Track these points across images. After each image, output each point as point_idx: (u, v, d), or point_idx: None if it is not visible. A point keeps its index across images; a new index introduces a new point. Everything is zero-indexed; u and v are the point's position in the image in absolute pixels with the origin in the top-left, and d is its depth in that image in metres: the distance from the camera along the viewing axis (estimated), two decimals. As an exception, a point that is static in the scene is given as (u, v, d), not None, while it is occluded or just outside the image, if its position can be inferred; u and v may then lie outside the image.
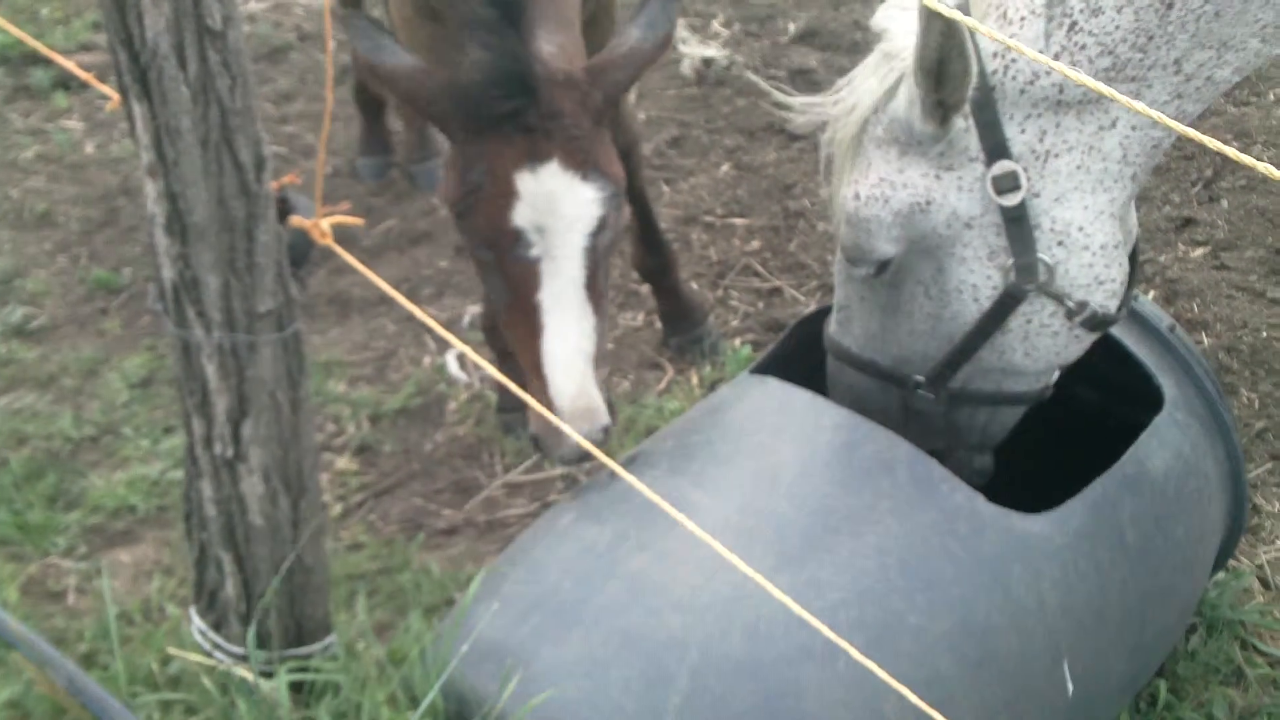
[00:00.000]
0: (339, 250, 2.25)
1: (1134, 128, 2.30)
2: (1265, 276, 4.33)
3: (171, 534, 3.48)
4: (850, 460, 2.48)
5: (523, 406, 3.81)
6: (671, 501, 2.40)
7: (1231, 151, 1.35)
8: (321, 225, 2.22)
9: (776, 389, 2.64)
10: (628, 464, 2.59)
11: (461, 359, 4.25)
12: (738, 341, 4.31)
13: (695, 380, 4.10)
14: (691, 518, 2.38)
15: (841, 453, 2.49)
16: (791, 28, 6.32)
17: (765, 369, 2.83)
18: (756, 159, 5.29)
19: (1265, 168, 1.33)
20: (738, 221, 4.92)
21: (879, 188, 2.42)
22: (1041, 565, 2.42)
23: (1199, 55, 2.24)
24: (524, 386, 2.68)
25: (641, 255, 4.23)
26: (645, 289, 4.55)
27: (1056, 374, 2.60)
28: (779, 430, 2.57)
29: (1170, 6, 2.18)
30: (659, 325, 4.37)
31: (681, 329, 4.29)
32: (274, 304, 2.18)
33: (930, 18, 2.13)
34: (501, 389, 3.98)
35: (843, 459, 2.48)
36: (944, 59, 2.18)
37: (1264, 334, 4.09)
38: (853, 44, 6.09)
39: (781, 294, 4.52)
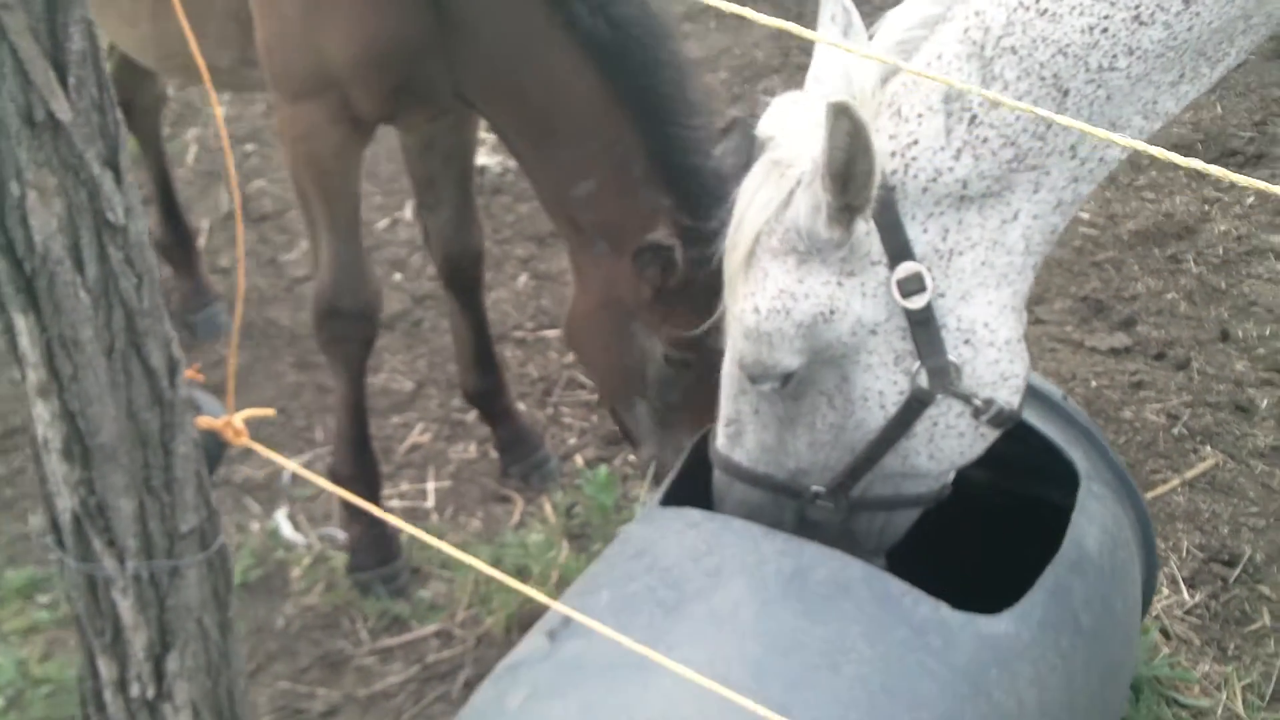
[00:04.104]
0: (260, 449, 2.00)
1: (1035, 217, 2.28)
2: (1079, 325, 4.45)
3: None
4: (805, 588, 2.35)
5: (377, 563, 3.59)
6: (634, 662, 2.24)
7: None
8: (235, 423, 1.98)
9: (701, 520, 2.50)
10: (561, 627, 2.41)
11: (293, 518, 3.95)
12: (579, 459, 4.15)
13: (549, 509, 3.92)
14: (658, 677, 2.22)
15: (794, 581, 2.36)
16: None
17: (670, 497, 2.69)
18: (553, 266, 5.16)
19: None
20: (550, 334, 4.78)
21: (779, 299, 2.33)
22: (1015, 665, 2.35)
23: (1093, 139, 2.23)
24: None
25: (474, 379, 4.05)
26: (471, 417, 4.36)
27: (953, 473, 2.55)
28: (720, 566, 2.42)
29: (1066, 94, 2.17)
30: (494, 455, 4.18)
31: (521, 455, 4.11)
32: (197, 520, 1.92)
33: (837, 118, 2.06)
34: (353, 546, 3.71)
35: (797, 588, 2.36)
36: (850, 160, 2.11)
37: (1093, 383, 4.20)
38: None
39: (612, 404, 4.39)
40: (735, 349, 2.43)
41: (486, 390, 4.07)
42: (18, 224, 1.68)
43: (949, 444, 2.40)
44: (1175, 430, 4.00)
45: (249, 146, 6.42)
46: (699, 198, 3.09)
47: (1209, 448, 3.93)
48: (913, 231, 2.24)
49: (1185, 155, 2.29)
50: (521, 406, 4.31)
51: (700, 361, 3.14)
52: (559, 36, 3.07)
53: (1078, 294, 4.61)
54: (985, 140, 2.19)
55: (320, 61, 3.20)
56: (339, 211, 3.43)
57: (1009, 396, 2.37)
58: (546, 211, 3.42)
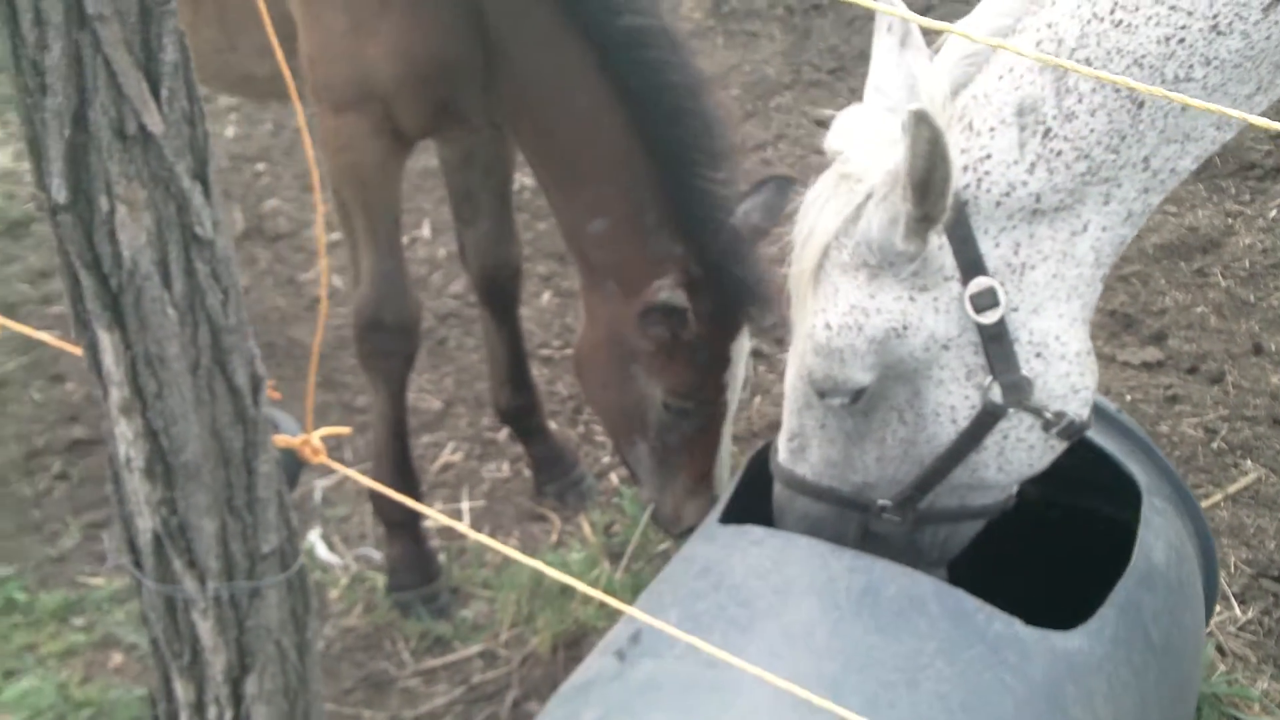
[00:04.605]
0: (338, 466, 1.97)
1: (1104, 229, 2.26)
2: (1109, 340, 4.43)
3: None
4: (878, 604, 2.33)
5: (418, 583, 3.56)
6: (709, 682, 2.21)
7: None
8: (313, 441, 1.95)
9: (765, 537, 2.48)
10: (629, 647, 2.38)
11: (327, 539, 3.91)
12: (614, 478, 4.12)
13: (588, 528, 3.89)
14: (735, 698, 2.20)
15: (866, 598, 2.34)
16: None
17: (729, 513, 2.67)
18: (575, 283, 5.11)
19: None
20: (577, 351, 4.74)
21: (851, 315, 2.31)
22: (1091, 682, 2.33)
23: (1165, 150, 2.22)
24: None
25: (508, 396, 4.02)
26: (502, 436, 4.32)
27: (1018, 485, 2.53)
28: (789, 583, 2.40)
29: (1141, 105, 2.15)
30: (528, 474, 4.14)
31: (556, 474, 4.08)
32: (278, 541, 1.88)
33: (919, 126, 2.04)
34: (392, 566, 3.67)
35: (869, 605, 2.33)
36: (930, 168, 2.09)
37: (1128, 397, 4.18)
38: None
39: (643, 421, 4.36)
40: (803, 364, 2.41)
41: (521, 408, 4.04)
42: (105, 239, 1.65)
43: (1019, 456, 2.38)
44: (1214, 445, 3.98)
45: (259, 166, 6.40)
46: (713, 250, 3.13)
47: (1249, 462, 3.91)
48: (985, 246, 2.22)
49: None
50: (553, 425, 4.28)
51: (699, 410, 3.21)
52: (592, 77, 3.10)
53: (1106, 308, 4.59)
54: (1059, 154, 2.17)
55: (364, 75, 3.20)
56: (379, 224, 3.42)
57: (1079, 409, 2.35)
58: (564, 241, 3.43)
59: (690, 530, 3.28)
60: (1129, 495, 2.70)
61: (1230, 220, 5.18)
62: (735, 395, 3.29)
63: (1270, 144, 5.73)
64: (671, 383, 3.19)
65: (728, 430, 3.33)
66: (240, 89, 3.99)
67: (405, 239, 5.59)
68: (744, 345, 3.23)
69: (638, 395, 3.25)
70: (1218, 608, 3.38)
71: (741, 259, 3.14)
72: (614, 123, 3.10)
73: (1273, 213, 5.19)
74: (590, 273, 3.31)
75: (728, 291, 3.13)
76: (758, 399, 4.42)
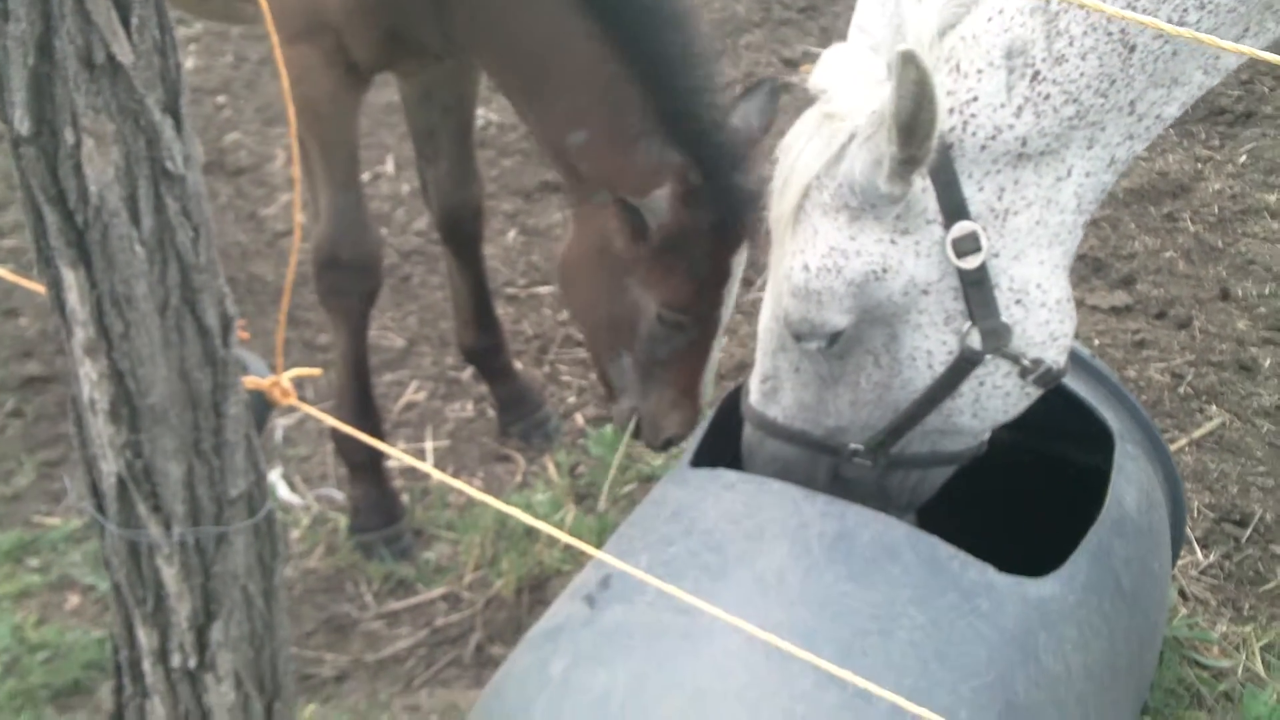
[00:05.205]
0: (306, 408, 1.92)
1: (1088, 175, 2.23)
2: (1079, 284, 4.42)
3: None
4: (851, 551, 2.30)
5: (380, 525, 3.52)
6: (680, 629, 2.19)
7: None
8: (282, 382, 1.89)
9: (737, 481, 2.45)
10: (599, 591, 2.36)
11: (288, 478, 3.86)
12: (579, 418, 4.08)
13: (553, 469, 3.85)
14: (707, 645, 2.18)
15: (839, 545, 2.32)
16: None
17: (700, 456, 2.64)
18: (541, 221, 5.07)
19: None
20: (542, 290, 4.70)
21: (830, 257, 2.27)
22: (1062, 629, 2.32)
23: (1152, 94, 2.19)
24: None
25: (473, 335, 3.96)
26: (466, 375, 4.27)
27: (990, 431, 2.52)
28: (761, 529, 2.37)
29: (1132, 50, 2.11)
30: (492, 414, 4.10)
31: (522, 414, 4.04)
32: (246, 485, 1.84)
33: (906, 66, 1.99)
34: (354, 507, 3.63)
35: (843, 551, 2.31)
36: (916, 109, 2.05)
37: (1096, 342, 4.17)
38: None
39: (610, 361, 4.32)
40: (779, 306, 2.37)
41: (486, 347, 3.98)
42: (71, 173, 1.59)
43: (994, 403, 2.36)
44: (1180, 389, 3.99)
45: (220, 99, 6.28)
46: (712, 157, 3.02)
47: (1214, 407, 3.92)
48: (969, 190, 2.18)
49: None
50: (518, 364, 4.23)
51: (694, 323, 3.14)
52: None
53: (1076, 252, 4.57)
54: (1048, 97, 2.13)
55: (312, 4, 3.12)
56: (335, 159, 3.33)
57: (1057, 356, 2.34)
58: (545, 158, 3.33)
59: (672, 441, 3.34)
60: (1101, 441, 2.69)
61: (1200, 165, 5.17)
62: (729, 309, 3.23)
63: (1240, 89, 5.72)
64: (669, 295, 3.10)
65: (718, 344, 3.29)
66: (194, 9, 3.86)
67: (368, 175, 5.51)
68: (743, 257, 3.14)
69: (630, 307, 3.17)
70: (1180, 552, 3.39)
71: (742, 165, 3.03)
72: (580, 27, 2.98)
73: (1242, 158, 5.19)
74: (578, 185, 3.18)
75: (730, 200, 3.03)
76: (724, 338, 4.38)
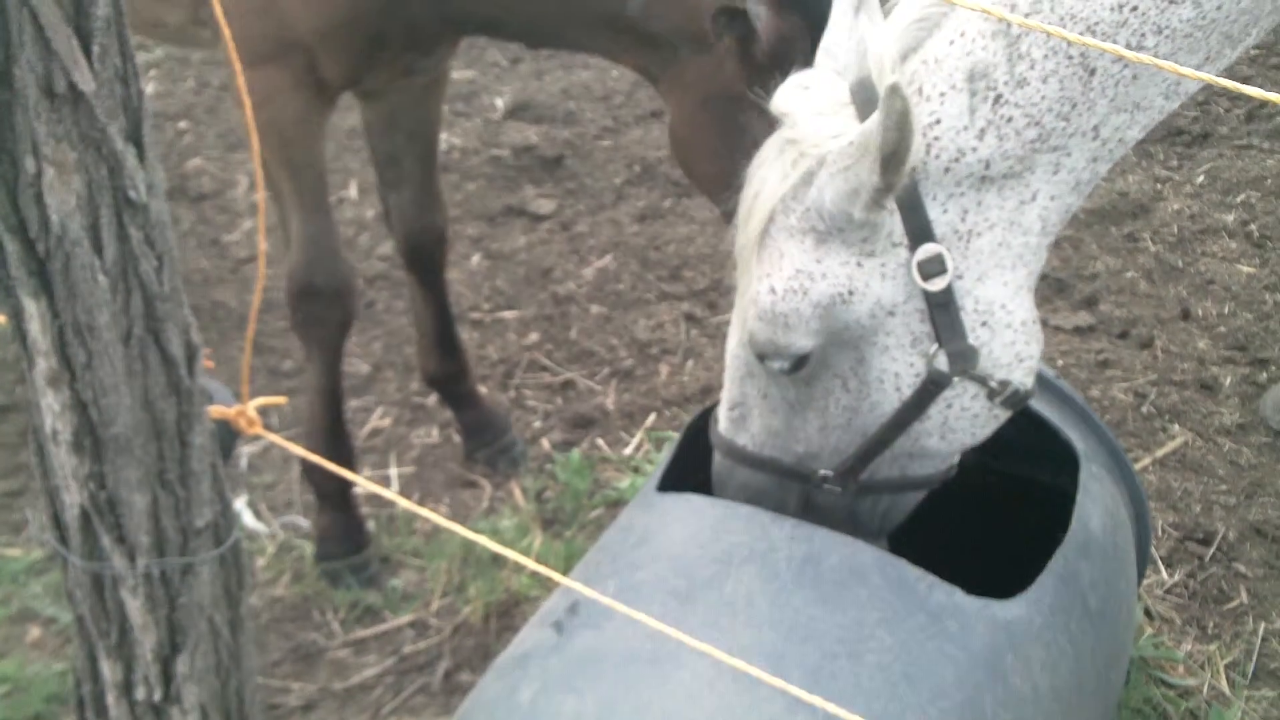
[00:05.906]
0: (273, 437, 1.91)
1: (1053, 198, 2.25)
2: (1042, 304, 4.45)
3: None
4: (819, 574, 2.30)
5: (347, 552, 3.49)
6: (649, 654, 2.19)
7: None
8: (248, 411, 1.88)
9: (704, 506, 2.45)
10: (567, 618, 2.35)
11: (253, 506, 3.83)
12: (545, 443, 4.07)
13: (519, 494, 3.84)
14: (676, 671, 2.18)
15: (807, 568, 2.32)
16: (499, 103, 6.13)
17: (667, 481, 2.64)
18: (505, 245, 5.07)
19: None
20: (507, 315, 4.69)
21: (796, 279, 2.28)
22: (1030, 650, 2.33)
23: (1115, 119, 2.21)
24: None
25: (436, 362, 3.95)
26: (431, 401, 4.26)
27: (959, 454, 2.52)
28: (729, 553, 2.37)
29: (1092, 73, 2.13)
30: (458, 439, 4.09)
31: (487, 439, 4.02)
32: (211, 515, 1.82)
33: (891, 99, 2.00)
34: (321, 535, 3.60)
35: (810, 575, 2.31)
36: (900, 141, 2.06)
37: (1060, 362, 4.20)
38: (568, 114, 5.96)
39: (575, 386, 4.32)
40: (745, 330, 2.38)
41: (449, 374, 3.96)
42: (32, 202, 1.58)
43: (962, 425, 2.37)
44: (1143, 409, 4.01)
45: (182, 124, 6.25)
46: None
47: (1177, 426, 3.95)
48: (934, 212, 2.19)
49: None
50: (483, 390, 4.22)
51: None
52: None
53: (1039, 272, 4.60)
54: (1010, 120, 2.15)
55: (281, 25, 3.08)
56: (304, 183, 3.28)
57: (1024, 378, 2.35)
58: (612, 59, 3.23)
59: None
60: (1066, 462, 2.70)
61: (1159, 186, 5.22)
62: None
63: (1197, 110, 5.78)
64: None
65: None
66: (149, 33, 3.81)
67: (332, 199, 5.48)
68: None
69: (751, 142, 3.07)
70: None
71: None
72: None
73: (1200, 178, 5.24)
74: (659, 54, 3.05)
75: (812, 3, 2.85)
76: (690, 362, 4.39)
